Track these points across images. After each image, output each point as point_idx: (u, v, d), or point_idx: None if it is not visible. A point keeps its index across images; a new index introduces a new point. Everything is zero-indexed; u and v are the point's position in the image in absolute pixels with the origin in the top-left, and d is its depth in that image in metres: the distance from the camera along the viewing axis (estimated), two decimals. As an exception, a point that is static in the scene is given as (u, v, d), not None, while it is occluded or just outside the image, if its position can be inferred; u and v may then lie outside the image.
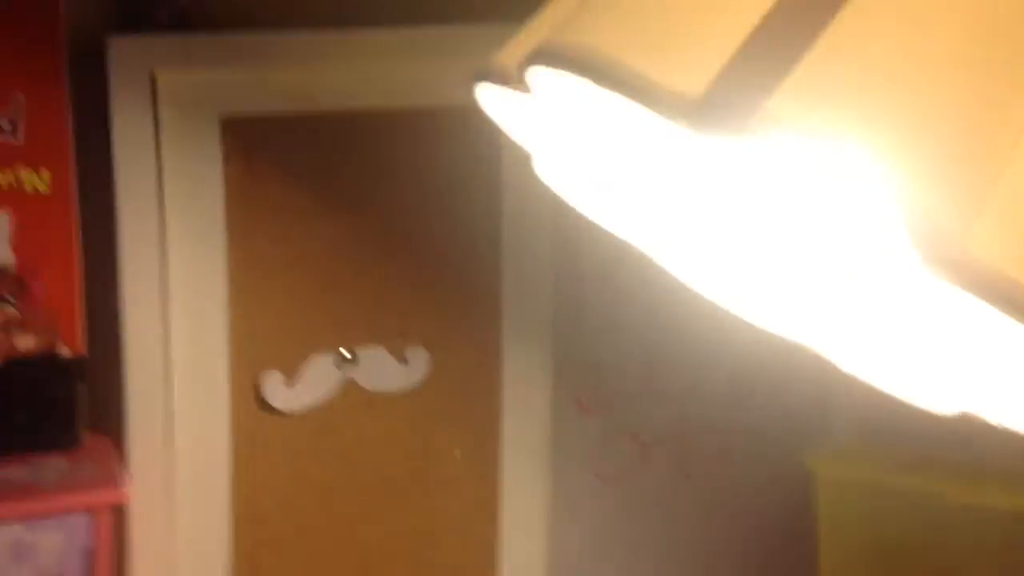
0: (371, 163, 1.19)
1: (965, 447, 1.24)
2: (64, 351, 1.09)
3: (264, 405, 1.21)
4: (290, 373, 1.21)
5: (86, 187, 1.10)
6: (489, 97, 0.64)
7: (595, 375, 1.32)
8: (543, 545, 1.31)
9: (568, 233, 1.24)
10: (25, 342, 1.08)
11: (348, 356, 1.22)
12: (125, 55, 1.07)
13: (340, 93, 1.15)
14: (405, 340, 1.23)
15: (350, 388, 1.23)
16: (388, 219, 1.20)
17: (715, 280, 0.67)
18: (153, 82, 1.09)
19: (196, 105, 1.12)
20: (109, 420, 1.13)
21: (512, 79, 0.58)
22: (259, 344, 1.19)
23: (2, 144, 1.08)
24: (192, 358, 1.16)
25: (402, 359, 1.23)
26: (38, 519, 1.00)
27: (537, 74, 0.54)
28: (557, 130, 0.66)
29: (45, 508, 1.00)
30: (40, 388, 1.06)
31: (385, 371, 1.23)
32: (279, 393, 1.21)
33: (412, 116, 1.18)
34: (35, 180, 1.10)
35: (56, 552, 1.00)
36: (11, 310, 1.07)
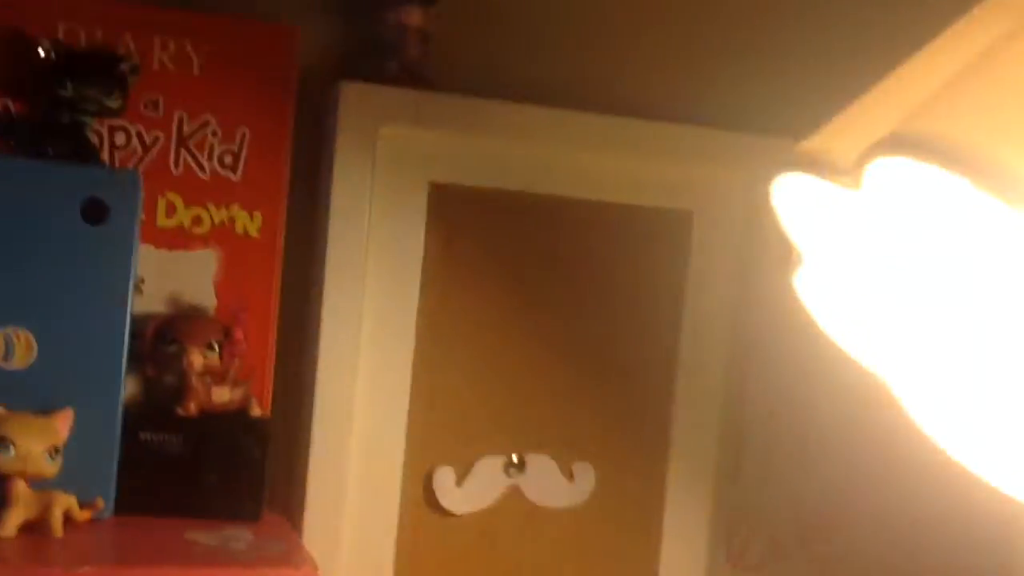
0: (564, 252, 1.14)
1: None
2: (256, 408, 0.98)
3: (432, 500, 1.10)
4: (460, 471, 1.11)
5: (290, 234, 1.02)
6: (787, 188, 0.54)
7: (748, 526, 1.26)
8: None
9: (735, 374, 1.22)
10: (221, 395, 0.96)
11: (517, 461, 1.13)
12: (353, 101, 1.01)
13: (546, 175, 1.12)
14: (573, 453, 1.16)
15: (515, 496, 1.14)
16: (573, 319, 1.14)
17: (961, 435, 0.55)
18: (375, 134, 1.03)
19: (411, 162, 1.06)
20: (276, 491, 1.01)
21: (836, 170, 0.49)
22: (434, 437, 1.10)
23: (221, 179, 1.00)
24: (371, 440, 1.06)
25: (568, 474, 1.15)
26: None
27: (884, 165, 0.45)
28: (854, 234, 0.55)
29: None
30: (232, 449, 0.94)
31: (551, 485, 1.15)
32: (448, 491, 1.10)
33: (610, 210, 1.14)
34: (247, 221, 1.01)
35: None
36: (214, 358, 0.95)
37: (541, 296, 1.14)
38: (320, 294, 1.02)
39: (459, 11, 1.06)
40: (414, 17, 1.03)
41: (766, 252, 1.16)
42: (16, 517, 0.83)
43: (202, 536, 0.90)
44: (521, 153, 1.10)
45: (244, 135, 1.00)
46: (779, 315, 1.14)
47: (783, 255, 0.58)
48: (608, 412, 1.17)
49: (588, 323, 1.16)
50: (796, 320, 0.60)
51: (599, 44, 1.13)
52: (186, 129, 0.99)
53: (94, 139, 0.95)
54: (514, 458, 1.13)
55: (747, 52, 1.16)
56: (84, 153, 0.94)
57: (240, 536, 0.92)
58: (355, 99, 1.02)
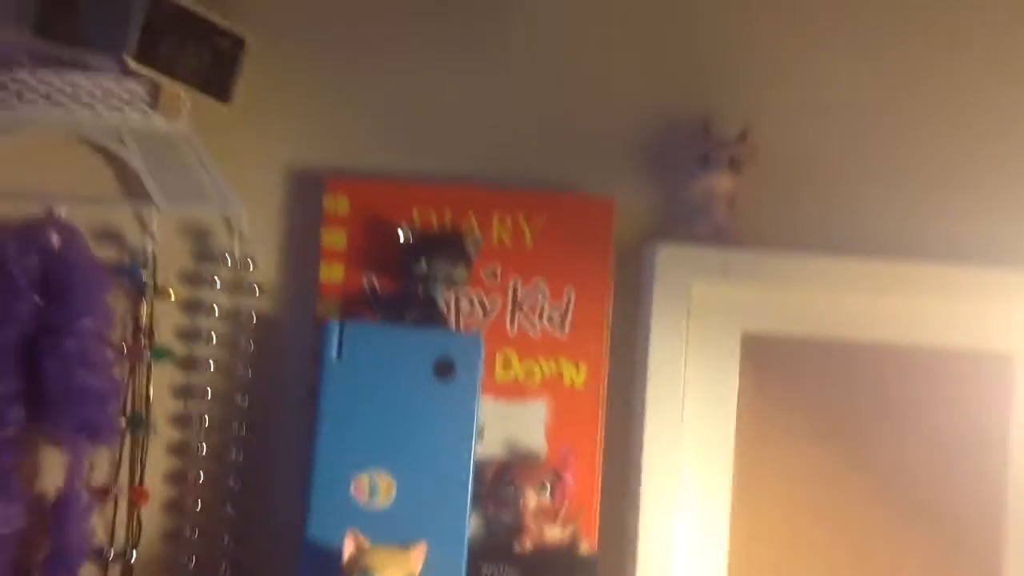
0: (878, 397, 1.18)
1: None
2: (584, 546, 1.08)
3: (753, 638, 1.15)
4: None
5: (612, 383, 1.13)
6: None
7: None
8: None
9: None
10: (553, 533, 1.07)
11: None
12: (667, 260, 1.12)
13: (854, 321, 1.16)
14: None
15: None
16: (893, 465, 1.17)
17: None
18: (688, 289, 1.13)
19: (722, 314, 1.15)
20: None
21: None
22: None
23: (550, 336, 1.13)
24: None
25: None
26: None
27: None
28: None
29: None
30: (564, 581, 1.04)
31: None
32: (769, 627, 1.15)
33: (925, 354, 1.17)
34: (573, 373, 1.13)
35: None
36: (547, 499, 1.07)
37: (858, 442, 1.17)
38: (641, 439, 1.11)
39: (761, 174, 1.14)
40: (723, 183, 1.13)
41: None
42: (378, 637, 0.96)
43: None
44: (827, 301, 1.15)
45: (570, 296, 1.12)
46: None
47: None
48: (935, 560, 1.17)
49: (910, 469, 1.17)
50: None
51: (901, 192, 1.18)
52: (520, 293, 1.13)
53: (444, 306, 1.11)
54: (836, 598, 1.16)
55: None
56: (435, 319, 1.10)
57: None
58: (669, 258, 1.12)
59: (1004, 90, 1.17)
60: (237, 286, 1.12)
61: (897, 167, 1.17)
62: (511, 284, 1.13)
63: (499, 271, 1.13)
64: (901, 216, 1.17)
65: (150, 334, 1.10)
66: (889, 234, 1.16)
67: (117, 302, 1.09)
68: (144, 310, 1.10)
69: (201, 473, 1.10)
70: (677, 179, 1.14)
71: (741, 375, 1.16)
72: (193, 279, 1.12)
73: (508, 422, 1.11)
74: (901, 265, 1.13)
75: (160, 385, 1.11)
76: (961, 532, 1.17)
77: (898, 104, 1.17)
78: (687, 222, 1.14)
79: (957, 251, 1.15)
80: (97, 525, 1.08)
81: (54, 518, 1.05)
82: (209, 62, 1.10)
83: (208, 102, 1.10)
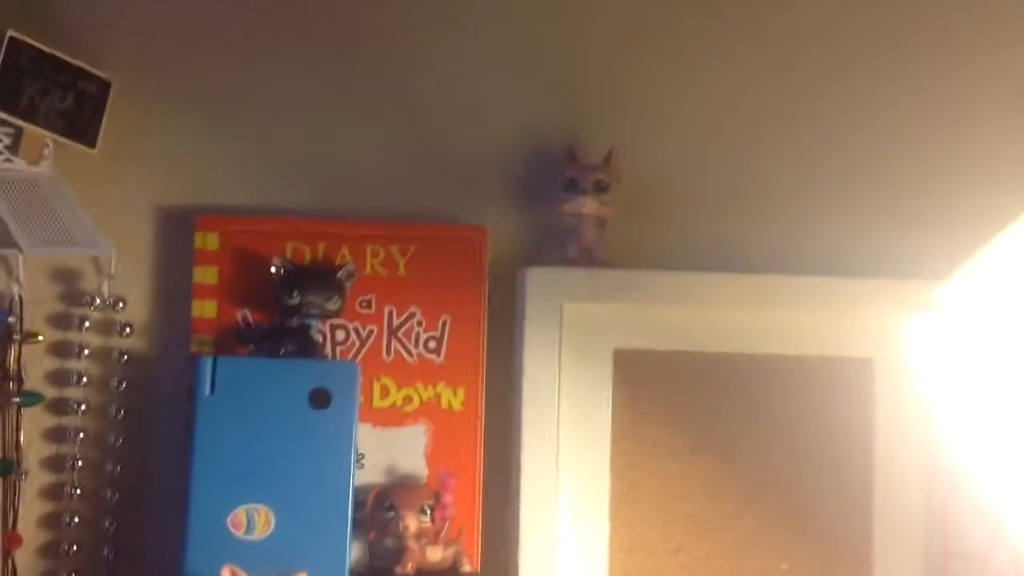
0: (746, 406, 1.21)
1: None
2: (467, 567, 1.09)
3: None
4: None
5: (489, 404, 1.14)
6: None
7: None
8: None
9: (933, 518, 1.21)
10: (434, 554, 1.08)
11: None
12: (538, 283, 1.14)
13: (721, 335, 1.20)
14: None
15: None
16: (763, 471, 1.20)
17: None
18: (560, 310, 1.16)
19: (594, 333, 1.17)
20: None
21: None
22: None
23: (427, 362, 1.14)
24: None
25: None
26: None
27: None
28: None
29: None
30: (447, 605, 1.05)
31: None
32: (654, 637, 1.17)
33: (787, 363, 1.21)
34: (451, 397, 1.14)
35: None
36: (427, 521, 1.08)
37: (729, 450, 1.20)
38: (519, 458, 1.13)
39: (629, 197, 1.18)
40: (590, 206, 1.16)
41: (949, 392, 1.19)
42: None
43: None
44: (694, 316, 1.19)
45: (445, 322, 1.14)
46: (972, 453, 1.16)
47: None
48: (806, 565, 1.20)
49: (779, 475, 1.21)
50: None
51: (766, 210, 1.22)
52: (395, 322, 1.14)
53: (318, 337, 1.12)
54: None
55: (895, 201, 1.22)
56: (310, 350, 1.11)
57: None
58: (540, 281, 1.14)
59: (867, 107, 1.22)
60: (107, 326, 1.12)
61: (761, 186, 1.21)
62: (386, 312, 1.14)
63: (374, 300, 1.14)
64: (765, 232, 1.21)
65: (19, 379, 1.09)
66: (754, 251, 1.20)
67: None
68: (12, 355, 1.09)
69: (76, 516, 1.09)
70: (548, 204, 1.18)
71: (614, 390, 1.18)
72: (62, 322, 1.11)
73: (388, 448, 1.12)
74: (765, 278, 1.17)
75: (31, 429, 1.10)
76: (833, 532, 1.20)
77: (761, 124, 1.21)
78: (560, 245, 1.17)
79: (820, 265, 1.19)
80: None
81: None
82: (73, 105, 1.10)
83: (73, 146, 1.11)
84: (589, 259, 1.16)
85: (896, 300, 1.18)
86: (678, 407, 1.21)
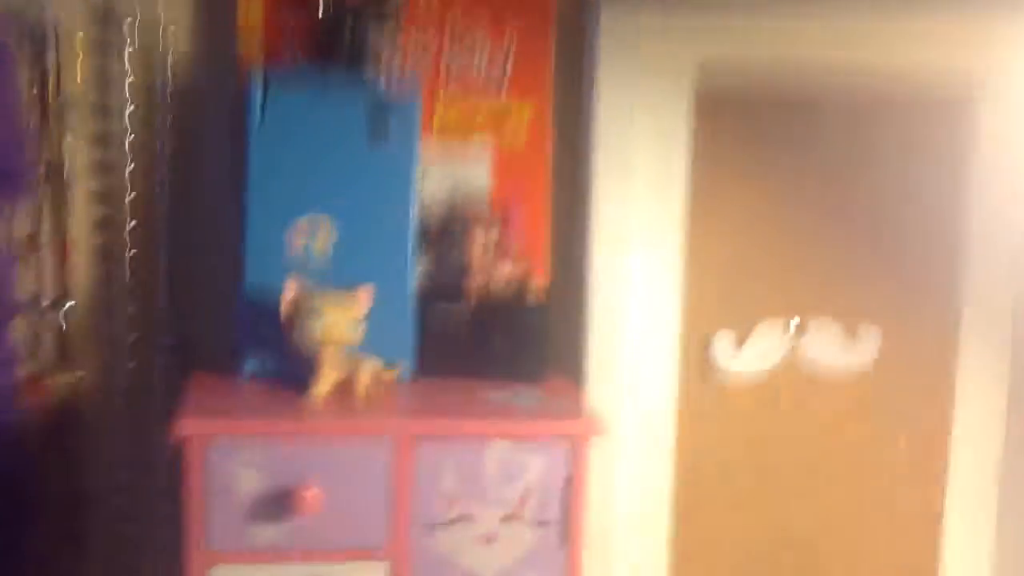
0: (843, 143, 1.14)
1: None
2: (535, 282, 1.05)
3: (710, 365, 1.14)
4: (740, 336, 1.15)
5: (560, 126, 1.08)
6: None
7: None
8: (990, 554, 1.20)
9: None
10: (504, 269, 1.03)
11: (798, 324, 1.15)
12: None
13: (812, 44, 1.11)
14: (857, 318, 1.16)
15: (796, 361, 1.15)
16: (850, 197, 1.14)
17: None
18: (636, 27, 1.07)
19: (672, 55, 1.09)
20: (560, 359, 1.08)
21: None
22: (710, 304, 1.13)
23: (490, 76, 1.06)
24: (647, 309, 1.11)
25: (852, 335, 1.16)
26: (525, 440, 0.93)
27: None
28: None
29: (534, 432, 0.93)
30: (515, 316, 1.01)
31: (833, 346, 1.16)
32: (727, 354, 1.14)
33: (888, 104, 1.13)
34: (519, 111, 1.07)
35: (539, 473, 0.93)
36: (495, 235, 1.03)
37: (820, 177, 1.14)
38: (589, 179, 1.07)
39: None
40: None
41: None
42: (329, 378, 0.94)
43: (495, 394, 0.98)
44: (776, 27, 1.09)
45: (512, 34, 1.05)
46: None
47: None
48: (893, 281, 1.16)
49: (869, 201, 1.15)
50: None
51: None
52: (459, 32, 1.06)
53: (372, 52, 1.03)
54: (795, 321, 1.15)
55: None
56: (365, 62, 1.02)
57: (530, 394, 0.99)
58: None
59: None
60: (150, 28, 1.04)
61: None
62: (449, 21, 1.06)
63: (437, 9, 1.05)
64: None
65: (58, 83, 1.02)
66: None
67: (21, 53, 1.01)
68: (50, 58, 1.02)
69: (129, 220, 1.05)
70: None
71: (696, 102, 1.10)
72: (102, 21, 1.04)
73: (452, 162, 1.07)
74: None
75: (77, 136, 1.04)
76: (924, 247, 1.16)
77: None
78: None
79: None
80: (25, 277, 1.03)
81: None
82: None
83: None
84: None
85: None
86: (766, 119, 1.13)
